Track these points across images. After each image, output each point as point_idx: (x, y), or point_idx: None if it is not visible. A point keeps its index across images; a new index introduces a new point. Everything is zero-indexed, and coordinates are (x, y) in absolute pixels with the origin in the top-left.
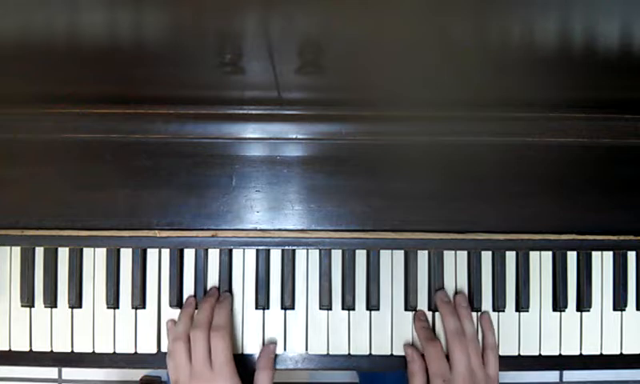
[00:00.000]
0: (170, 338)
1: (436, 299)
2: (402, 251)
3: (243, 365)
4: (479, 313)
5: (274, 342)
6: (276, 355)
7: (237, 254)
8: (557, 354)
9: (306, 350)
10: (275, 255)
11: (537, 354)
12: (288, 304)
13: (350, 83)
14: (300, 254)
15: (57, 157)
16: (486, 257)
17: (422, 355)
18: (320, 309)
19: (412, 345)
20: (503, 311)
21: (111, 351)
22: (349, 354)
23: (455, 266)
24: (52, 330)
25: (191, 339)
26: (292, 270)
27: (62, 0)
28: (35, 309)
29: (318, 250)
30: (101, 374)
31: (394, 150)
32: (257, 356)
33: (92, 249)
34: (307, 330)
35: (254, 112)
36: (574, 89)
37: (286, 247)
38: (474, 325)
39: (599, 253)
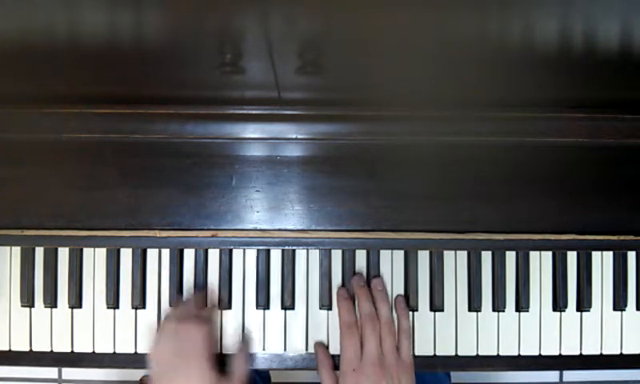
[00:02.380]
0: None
1: (352, 283)
2: (402, 251)
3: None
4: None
5: (251, 338)
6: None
7: (237, 253)
8: (557, 354)
9: (306, 350)
10: (275, 255)
11: (537, 354)
12: (288, 304)
13: (349, 83)
14: (300, 253)
15: (57, 157)
16: (486, 257)
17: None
18: (320, 309)
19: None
20: (503, 311)
21: (111, 351)
22: None
23: (455, 266)
24: (52, 330)
25: (165, 329)
26: (292, 270)
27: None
28: (35, 309)
29: (317, 250)
30: (101, 374)
31: (393, 149)
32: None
33: (92, 249)
34: (307, 329)
35: (254, 112)
36: (573, 89)
37: (286, 247)
38: (389, 309)
39: (599, 253)
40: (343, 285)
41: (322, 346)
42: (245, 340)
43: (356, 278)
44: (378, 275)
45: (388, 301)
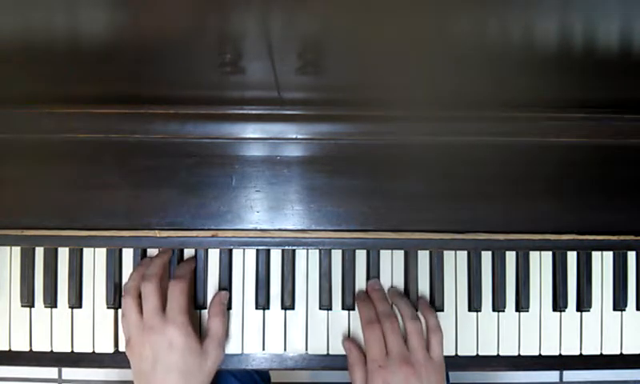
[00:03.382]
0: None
1: (367, 288)
2: (402, 251)
3: (245, 362)
4: (418, 299)
5: (224, 289)
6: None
7: (237, 253)
8: (557, 354)
9: (306, 350)
10: (275, 255)
11: (537, 354)
12: (288, 304)
13: (350, 83)
14: (300, 253)
15: (57, 157)
16: (486, 257)
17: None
18: (320, 309)
19: (349, 338)
20: (503, 311)
21: (111, 351)
22: None
23: (455, 266)
24: (52, 330)
25: (142, 292)
26: (292, 270)
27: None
28: (35, 309)
29: (317, 250)
30: (101, 374)
31: (394, 149)
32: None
33: (92, 249)
34: (307, 330)
35: (254, 112)
36: (573, 89)
37: (286, 247)
38: (410, 307)
39: (599, 253)
40: (343, 285)
41: (354, 343)
42: (217, 294)
43: (372, 282)
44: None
45: (408, 301)
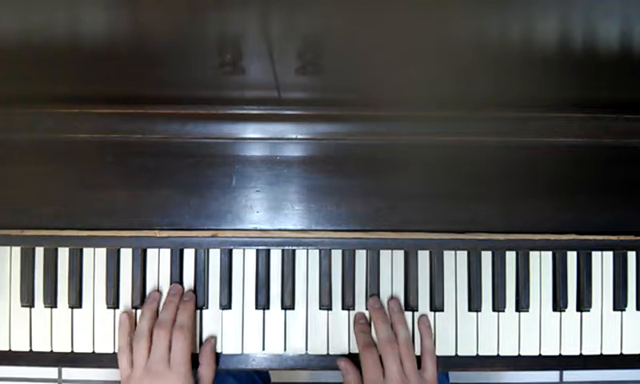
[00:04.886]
0: (121, 334)
1: (368, 306)
2: (402, 251)
3: (245, 362)
4: (417, 314)
5: (213, 337)
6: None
7: (237, 253)
8: (557, 354)
9: (306, 350)
10: (275, 255)
11: (537, 354)
12: (288, 304)
13: (349, 83)
14: (300, 254)
15: (57, 157)
16: (486, 257)
17: (357, 364)
18: (320, 309)
19: (346, 356)
20: (503, 311)
21: (111, 351)
22: (349, 353)
23: (455, 266)
24: (52, 330)
25: (154, 336)
26: (292, 270)
27: (62, 0)
28: (35, 309)
29: (317, 250)
30: (101, 374)
31: (393, 149)
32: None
33: (92, 249)
34: (307, 330)
35: (254, 112)
36: (574, 89)
37: (286, 247)
38: (408, 330)
39: (599, 253)
40: (344, 285)
41: (350, 363)
42: (208, 341)
43: (371, 300)
44: (395, 297)
45: (406, 322)
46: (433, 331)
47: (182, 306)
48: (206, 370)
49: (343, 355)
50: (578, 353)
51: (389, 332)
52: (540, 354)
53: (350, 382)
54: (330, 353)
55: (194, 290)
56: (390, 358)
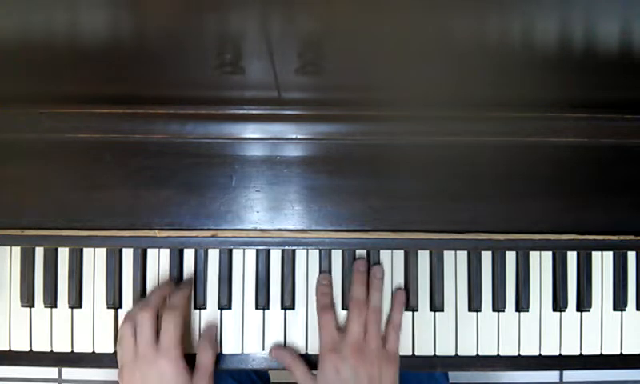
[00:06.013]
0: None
1: (353, 267)
2: (402, 251)
3: (245, 362)
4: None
5: (214, 324)
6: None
7: (237, 253)
8: (557, 354)
9: (306, 350)
10: (275, 255)
11: (537, 354)
12: (288, 304)
13: (349, 83)
14: (300, 253)
15: (57, 157)
16: (486, 257)
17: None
18: None
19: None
20: (503, 311)
21: (111, 351)
22: None
23: (455, 266)
24: (52, 329)
25: (137, 319)
26: (292, 270)
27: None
28: (35, 309)
29: (317, 250)
30: (101, 374)
31: (394, 149)
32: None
33: (92, 249)
34: (307, 329)
35: (254, 112)
36: (574, 89)
37: (286, 247)
38: (380, 298)
39: (599, 253)
40: (343, 285)
41: (281, 347)
42: (208, 328)
43: (358, 262)
44: (379, 263)
45: (381, 290)
46: (432, 330)
47: (176, 290)
48: (204, 356)
49: None
50: (577, 353)
51: (362, 295)
52: (540, 354)
53: (289, 362)
54: None
55: (195, 290)
56: (354, 319)
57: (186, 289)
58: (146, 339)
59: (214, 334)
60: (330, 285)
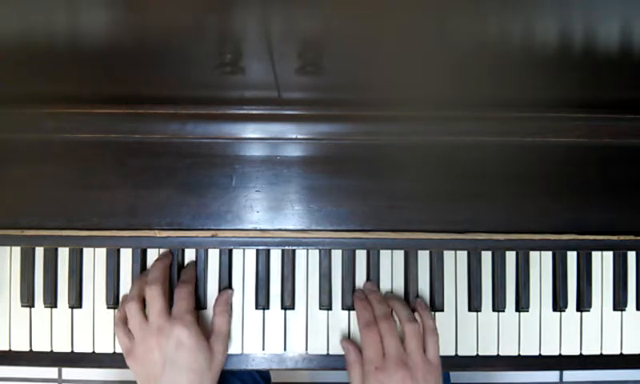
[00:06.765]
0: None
1: (364, 288)
2: (402, 251)
3: (245, 362)
4: (417, 314)
5: (230, 289)
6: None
7: (237, 253)
8: (557, 354)
9: (306, 350)
10: (275, 255)
11: (537, 354)
12: (288, 304)
13: (349, 83)
14: (300, 253)
15: (57, 157)
16: (486, 257)
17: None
18: (320, 309)
19: (348, 338)
20: (503, 311)
21: (111, 351)
22: None
23: (455, 266)
24: (52, 329)
25: (147, 295)
26: (292, 270)
27: (62, 0)
28: (35, 309)
29: (317, 250)
30: (101, 374)
31: (393, 150)
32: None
33: (92, 249)
34: (307, 330)
35: (254, 112)
36: (574, 89)
37: (286, 247)
38: (407, 309)
39: (599, 253)
40: (343, 285)
41: (352, 343)
42: (222, 293)
43: (367, 284)
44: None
45: (404, 304)
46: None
47: (186, 267)
48: (220, 319)
49: (342, 356)
50: (577, 353)
51: (386, 309)
52: (540, 354)
53: (350, 361)
54: (330, 353)
55: (195, 290)
56: (388, 334)
57: (193, 266)
58: (158, 311)
59: (228, 299)
60: (368, 301)
